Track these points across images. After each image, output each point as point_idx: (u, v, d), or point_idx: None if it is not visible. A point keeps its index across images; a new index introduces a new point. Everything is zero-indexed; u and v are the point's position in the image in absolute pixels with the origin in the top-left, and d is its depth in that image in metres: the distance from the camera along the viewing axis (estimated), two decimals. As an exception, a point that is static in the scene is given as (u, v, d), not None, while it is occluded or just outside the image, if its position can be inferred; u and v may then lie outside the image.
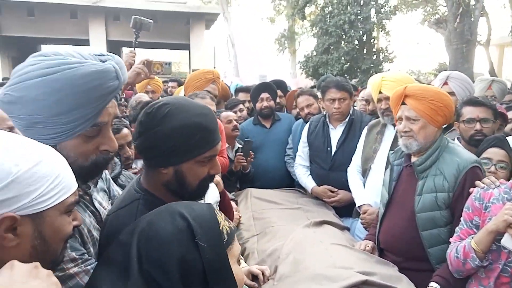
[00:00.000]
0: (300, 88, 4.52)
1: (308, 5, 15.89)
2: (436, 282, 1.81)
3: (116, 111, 1.06)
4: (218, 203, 2.04)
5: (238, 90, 4.64)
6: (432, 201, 1.93)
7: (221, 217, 0.93)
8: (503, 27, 16.59)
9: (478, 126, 2.28)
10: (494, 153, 2.03)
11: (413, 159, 2.05)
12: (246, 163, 3.10)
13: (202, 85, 3.17)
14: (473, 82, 6.09)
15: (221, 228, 0.90)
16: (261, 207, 2.70)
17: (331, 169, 2.97)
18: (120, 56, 1.14)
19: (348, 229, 2.59)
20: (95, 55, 0.99)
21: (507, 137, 2.12)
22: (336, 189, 2.92)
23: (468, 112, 2.34)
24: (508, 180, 1.82)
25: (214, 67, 18.80)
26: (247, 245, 2.21)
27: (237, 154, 3.11)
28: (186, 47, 17.91)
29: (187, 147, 1.12)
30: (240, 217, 2.52)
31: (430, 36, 27.32)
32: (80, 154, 0.99)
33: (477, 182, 1.80)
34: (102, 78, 0.95)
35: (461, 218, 1.79)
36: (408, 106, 1.98)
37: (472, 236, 1.68)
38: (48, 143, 0.87)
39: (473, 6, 11.64)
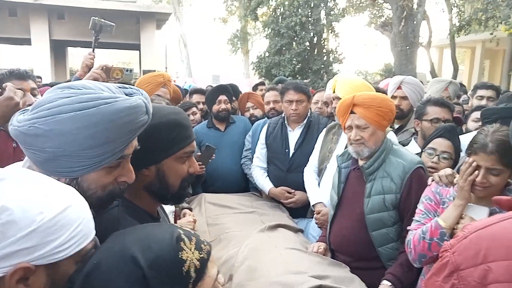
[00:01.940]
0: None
1: (260, 6, 16.01)
2: (388, 280, 1.87)
3: (136, 142, 1.05)
4: (173, 213, 2.00)
5: (193, 91, 4.56)
6: (381, 203, 1.99)
7: (189, 247, 0.80)
8: (442, 30, 17.66)
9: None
10: (439, 143, 2.13)
11: (361, 162, 2.11)
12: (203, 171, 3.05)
13: (153, 89, 3.07)
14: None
15: (186, 269, 0.77)
16: (215, 212, 2.66)
17: (288, 170, 2.99)
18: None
19: (301, 231, 2.61)
20: (119, 87, 1.00)
21: (461, 135, 2.25)
22: (293, 190, 2.95)
23: (435, 112, 2.45)
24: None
25: (166, 68, 18.45)
26: (201, 253, 2.16)
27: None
28: (137, 47, 17.45)
29: (168, 143, 1.14)
30: (195, 221, 2.47)
31: (376, 38, 28.54)
32: (101, 186, 0.97)
33: (435, 175, 1.87)
34: (135, 114, 0.95)
35: (422, 209, 1.84)
36: (357, 115, 2.03)
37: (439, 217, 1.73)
38: (70, 175, 0.90)
39: (416, 10, 12.26)
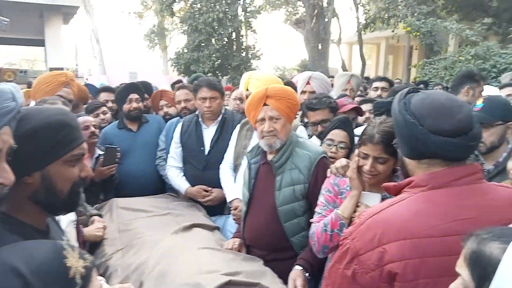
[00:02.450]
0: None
1: (176, 1, 15.67)
2: (300, 265, 1.96)
3: (12, 141, 0.92)
4: (75, 223, 1.87)
5: (101, 90, 4.32)
6: (291, 194, 2.07)
7: (73, 256, 0.81)
8: (351, 28, 18.84)
9: (319, 128, 2.58)
10: (336, 134, 2.28)
11: (269, 156, 2.18)
12: (113, 173, 2.91)
13: (54, 89, 2.86)
14: (330, 77, 6.74)
15: (72, 275, 0.77)
16: (128, 217, 2.55)
17: (205, 168, 2.97)
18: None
19: (218, 228, 2.63)
20: None
21: (358, 127, 2.40)
22: (210, 188, 2.93)
23: (310, 116, 2.62)
24: (347, 157, 2.09)
25: (77, 65, 17.23)
26: (110, 262, 2.06)
27: (99, 164, 2.88)
28: (41, 43, 15.99)
29: (52, 145, 1.06)
30: (105, 227, 2.35)
31: (292, 34, 29.51)
32: None
33: (332, 167, 1.98)
34: None
35: (323, 201, 1.93)
36: (270, 107, 2.09)
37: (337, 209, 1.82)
38: None
39: (326, 8, 12.93)
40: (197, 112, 3.14)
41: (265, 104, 2.09)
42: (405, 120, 1.14)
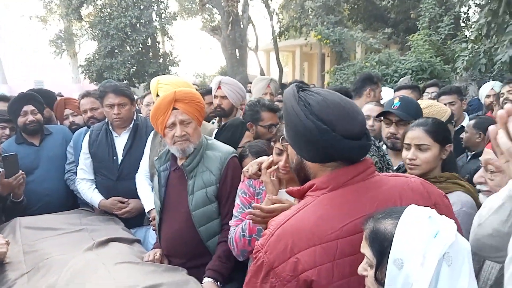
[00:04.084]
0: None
1: (84, 5, 14.79)
2: (209, 277, 1.92)
3: None
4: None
5: (-1, 99, 3.89)
6: (204, 197, 2.05)
7: None
8: (267, 35, 19.43)
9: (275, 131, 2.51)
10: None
11: (180, 162, 2.13)
12: (20, 184, 2.61)
13: None
14: (249, 82, 6.83)
15: None
16: (34, 237, 2.31)
17: (119, 179, 2.81)
18: None
19: (138, 241, 2.50)
20: None
21: None
22: (126, 199, 2.78)
23: (270, 118, 2.56)
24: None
25: (-30, 73, 15.43)
26: (14, 288, 1.85)
27: (0, 175, 2.57)
28: None
29: None
30: (8, 243, 2.10)
31: (211, 41, 29.58)
32: None
33: (244, 170, 1.97)
34: None
35: (239, 203, 1.91)
36: (180, 110, 2.03)
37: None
38: None
39: (241, 16, 13.17)
40: (106, 120, 2.96)
41: (174, 108, 2.03)
42: (316, 126, 1.11)
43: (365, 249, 1.02)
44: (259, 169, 1.89)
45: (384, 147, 2.46)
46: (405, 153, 1.87)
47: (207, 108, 3.58)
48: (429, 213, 0.98)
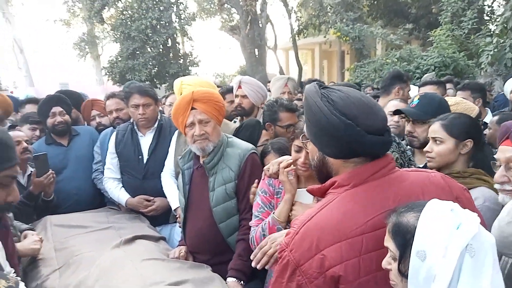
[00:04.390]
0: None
1: (106, 8, 15.10)
2: (232, 277, 1.94)
3: None
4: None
5: (27, 102, 4.04)
6: (223, 193, 2.09)
7: None
8: (286, 34, 19.39)
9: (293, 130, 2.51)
10: None
11: (202, 160, 2.17)
12: (50, 182, 2.71)
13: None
14: (269, 81, 6.87)
15: None
16: (64, 235, 2.40)
17: (144, 177, 2.87)
18: None
19: (163, 238, 2.56)
20: None
21: None
22: (152, 198, 2.84)
23: (288, 118, 2.54)
24: None
25: (-1, 77, 15.98)
26: (46, 283, 1.93)
27: (32, 174, 2.68)
28: (-45, 53, 14.62)
29: None
30: (41, 240, 2.19)
31: (230, 41, 29.64)
32: None
33: (265, 169, 1.96)
34: None
35: (259, 202, 1.92)
36: (199, 110, 2.08)
37: (273, 211, 1.81)
38: None
39: (260, 15, 13.19)
40: (131, 120, 3.03)
41: (193, 108, 2.07)
42: (341, 121, 1.11)
43: (389, 242, 1.04)
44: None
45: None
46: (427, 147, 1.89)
47: (228, 106, 3.63)
48: (452, 206, 0.99)
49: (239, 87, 3.21)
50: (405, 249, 0.98)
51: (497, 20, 6.97)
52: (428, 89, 3.44)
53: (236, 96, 3.23)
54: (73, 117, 3.47)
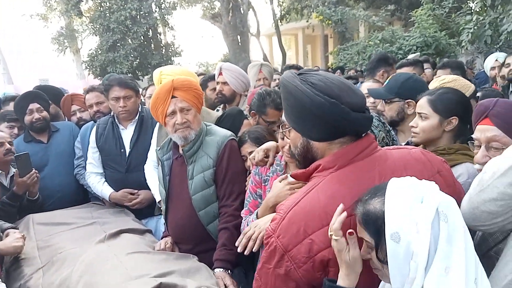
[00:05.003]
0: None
1: (83, 0, 14.76)
2: (219, 267, 1.92)
3: None
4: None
5: (9, 99, 3.95)
6: (202, 181, 2.07)
7: None
8: (269, 20, 19.22)
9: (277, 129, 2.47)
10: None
11: (181, 149, 2.15)
12: (34, 182, 2.66)
13: None
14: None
15: None
16: (47, 233, 2.36)
17: (127, 171, 2.84)
18: None
19: (149, 231, 2.53)
20: None
21: None
22: (136, 191, 2.81)
23: (273, 115, 2.44)
24: None
25: (-25, 76, 15.58)
26: (30, 283, 1.89)
27: (15, 175, 2.63)
28: None
29: None
30: (24, 237, 2.15)
31: (212, 29, 29.27)
32: None
33: (250, 158, 1.98)
34: None
35: (248, 192, 1.94)
36: (179, 98, 2.04)
37: (257, 212, 1.80)
38: None
39: (241, 1, 13.03)
40: (112, 113, 2.98)
41: (173, 97, 2.04)
42: (326, 101, 1.11)
43: (362, 233, 1.04)
44: (266, 156, 1.90)
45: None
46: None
47: (211, 94, 3.58)
48: (409, 182, 1.00)
49: (220, 73, 3.17)
50: (379, 236, 0.98)
51: (477, -3, 6.99)
52: (405, 70, 3.42)
53: (217, 83, 3.19)
54: (52, 112, 3.40)
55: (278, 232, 1.12)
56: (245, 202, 1.94)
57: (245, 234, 1.69)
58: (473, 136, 1.47)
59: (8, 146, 2.69)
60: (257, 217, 1.75)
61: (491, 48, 6.40)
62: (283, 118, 1.35)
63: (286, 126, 1.32)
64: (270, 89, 2.75)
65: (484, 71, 4.85)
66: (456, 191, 1.26)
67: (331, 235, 1.05)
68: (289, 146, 1.61)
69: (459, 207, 1.16)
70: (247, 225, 1.80)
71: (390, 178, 1.07)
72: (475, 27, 6.03)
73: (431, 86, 2.30)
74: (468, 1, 9.64)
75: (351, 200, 1.08)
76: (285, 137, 1.66)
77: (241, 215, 1.95)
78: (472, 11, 7.05)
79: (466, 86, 2.27)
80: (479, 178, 1.15)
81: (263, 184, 1.89)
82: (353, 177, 1.14)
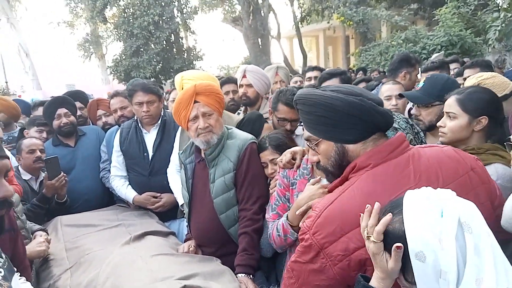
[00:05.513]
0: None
1: (107, 7, 15.12)
2: (241, 273, 1.92)
3: None
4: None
5: (38, 104, 4.09)
6: (222, 184, 2.08)
7: None
8: (289, 22, 19.18)
9: (288, 126, 2.46)
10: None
11: (203, 152, 2.16)
12: (62, 185, 2.75)
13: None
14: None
15: None
16: (75, 234, 2.42)
17: (151, 174, 2.88)
18: None
19: (173, 233, 2.57)
20: None
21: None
22: (159, 194, 2.85)
23: (283, 111, 2.48)
24: None
25: (6, 82, 16.16)
26: (58, 283, 1.94)
27: (44, 178, 2.73)
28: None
29: None
30: (48, 240, 2.21)
31: (233, 33, 29.43)
32: None
33: (278, 161, 1.97)
34: None
35: (276, 195, 1.92)
36: (201, 103, 2.06)
37: (287, 215, 1.79)
38: None
39: (262, 4, 13.07)
40: (135, 117, 3.03)
41: (195, 102, 2.06)
42: (355, 98, 1.17)
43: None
44: (293, 158, 1.89)
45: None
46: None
47: (225, 98, 3.60)
48: (425, 194, 0.97)
49: (244, 76, 3.19)
50: (404, 257, 0.95)
51: (504, -6, 6.78)
52: (431, 74, 3.34)
53: (241, 85, 3.20)
54: (84, 115, 3.51)
55: (314, 230, 1.14)
56: (273, 205, 1.92)
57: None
58: (511, 137, 1.43)
59: (38, 153, 2.80)
60: (288, 220, 1.74)
61: (520, 46, 6.20)
62: (307, 134, 1.34)
63: (314, 141, 1.31)
64: (285, 87, 2.75)
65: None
66: (492, 188, 1.26)
67: (368, 236, 1.01)
68: (318, 161, 1.58)
69: (501, 205, 1.14)
70: (277, 229, 1.79)
71: (425, 175, 1.08)
72: (503, 25, 5.85)
73: (468, 83, 2.23)
74: (494, -2, 9.37)
75: (388, 198, 1.07)
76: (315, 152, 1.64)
77: (268, 219, 1.93)
78: (500, 7, 6.84)
79: (504, 84, 2.19)
80: None
81: (290, 187, 1.88)
82: (387, 175, 1.15)
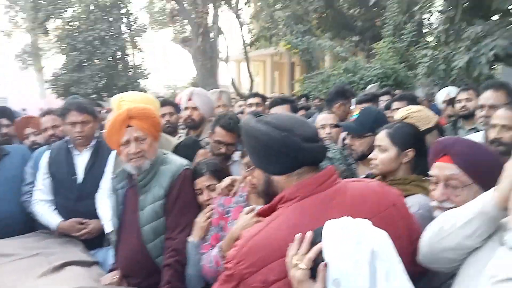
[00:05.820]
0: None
1: (51, 18, 14.51)
2: None
3: None
4: None
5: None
6: (152, 212, 2.02)
7: None
8: (238, 45, 19.49)
9: (223, 149, 2.53)
10: None
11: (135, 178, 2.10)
12: None
13: None
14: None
15: None
16: (-14, 265, 2.21)
17: (78, 199, 2.72)
18: None
19: (97, 263, 2.43)
20: None
21: None
22: (86, 220, 2.69)
23: (219, 134, 2.53)
24: None
25: None
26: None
27: None
28: None
29: None
30: None
31: (182, 53, 29.33)
32: None
33: (217, 186, 1.97)
34: None
35: (212, 224, 1.90)
36: (134, 127, 2.00)
37: (220, 245, 1.76)
38: None
39: (211, 27, 13.21)
40: (66, 138, 2.89)
41: (128, 126, 2.00)
42: (277, 134, 1.19)
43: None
44: (231, 184, 1.89)
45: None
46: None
47: (161, 120, 3.56)
48: (343, 224, 1.03)
49: (189, 99, 3.17)
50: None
51: (434, 33, 7.43)
52: (364, 105, 3.56)
53: (186, 108, 3.17)
54: (11, 133, 3.28)
55: (238, 259, 1.14)
56: (208, 235, 1.90)
57: None
58: (430, 172, 1.49)
59: None
60: (222, 251, 1.71)
61: (445, 82, 6.77)
62: (247, 158, 1.41)
63: (251, 166, 1.38)
64: (227, 112, 2.79)
65: (435, 104, 5.09)
66: (412, 223, 1.32)
67: (296, 264, 1.04)
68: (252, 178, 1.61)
69: (419, 238, 1.24)
70: (210, 260, 1.76)
71: (349, 209, 1.13)
72: (430, 61, 6.37)
73: (398, 115, 2.41)
74: (426, 36, 10.22)
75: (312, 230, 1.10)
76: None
77: (201, 250, 1.89)
78: (428, 45, 7.47)
79: (428, 118, 2.39)
80: (440, 226, 1.19)
81: (225, 215, 1.87)
82: (314, 208, 1.17)
